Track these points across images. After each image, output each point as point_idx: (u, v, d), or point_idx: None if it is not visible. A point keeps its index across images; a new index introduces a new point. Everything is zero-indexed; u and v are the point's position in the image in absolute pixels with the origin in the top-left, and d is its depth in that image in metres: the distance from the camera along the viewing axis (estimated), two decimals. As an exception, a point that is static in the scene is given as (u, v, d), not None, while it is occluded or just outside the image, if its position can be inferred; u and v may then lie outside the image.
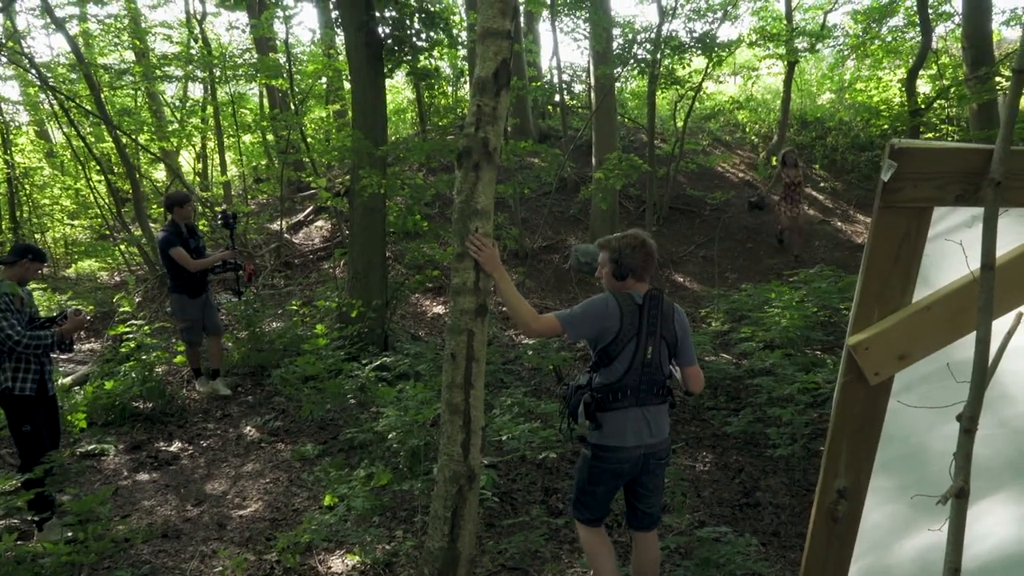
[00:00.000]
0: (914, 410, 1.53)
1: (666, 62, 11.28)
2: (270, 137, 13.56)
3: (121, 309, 7.73)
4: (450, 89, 15.13)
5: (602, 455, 3.30)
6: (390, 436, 4.82)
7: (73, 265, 13.01)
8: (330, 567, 4.10)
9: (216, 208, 11.21)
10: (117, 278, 11.85)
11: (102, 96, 10.77)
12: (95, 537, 3.65)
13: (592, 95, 12.33)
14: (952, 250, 1.38)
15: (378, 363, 6.55)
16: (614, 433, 3.27)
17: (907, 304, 1.41)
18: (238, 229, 6.62)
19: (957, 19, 12.76)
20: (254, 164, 15.46)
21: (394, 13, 7.38)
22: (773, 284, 7.94)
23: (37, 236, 14.02)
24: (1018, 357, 1.45)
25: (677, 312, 3.40)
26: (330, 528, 4.21)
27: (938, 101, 12.27)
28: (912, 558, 1.63)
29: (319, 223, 12.42)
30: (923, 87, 13.61)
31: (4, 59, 11.01)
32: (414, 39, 7.43)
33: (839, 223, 12.51)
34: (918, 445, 1.61)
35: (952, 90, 11.40)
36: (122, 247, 11.38)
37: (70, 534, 3.87)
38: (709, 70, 11.95)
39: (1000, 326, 1.38)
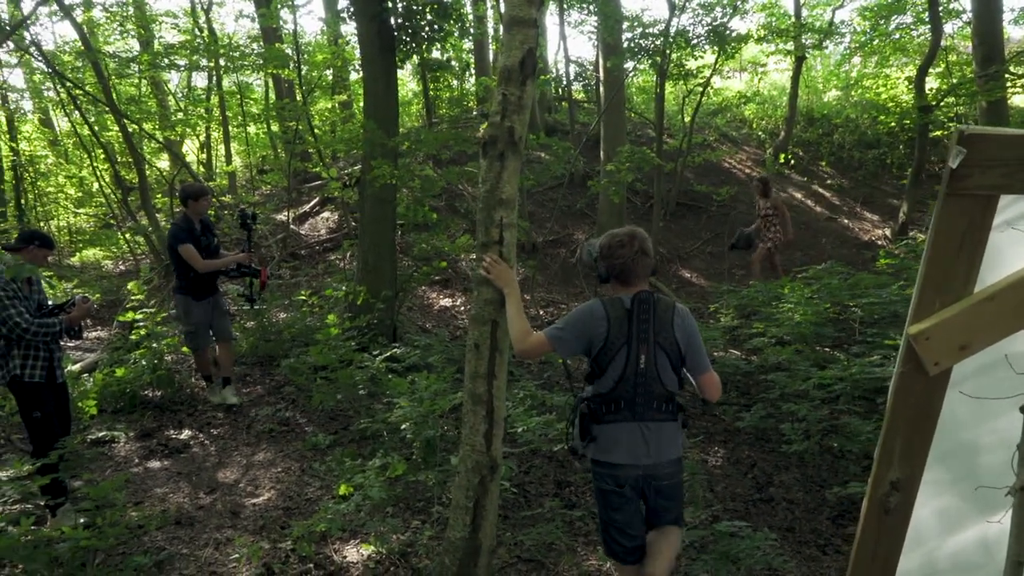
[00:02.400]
0: (963, 403, 1.51)
1: (675, 56, 11.24)
2: (276, 127, 13.53)
3: (133, 296, 7.70)
4: (455, 83, 15.11)
5: (598, 471, 3.05)
6: (404, 427, 4.80)
7: (78, 253, 12.99)
8: (345, 556, 4.08)
9: (224, 197, 11.17)
10: (122, 267, 11.83)
11: (108, 84, 10.73)
12: (110, 523, 3.63)
13: (601, 89, 12.30)
14: (1018, 239, 1.36)
15: (388, 354, 6.54)
16: (606, 448, 2.99)
17: (970, 293, 1.39)
18: (257, 229, 6.23)
19: (966, 16, 12.73)
20: (260, 155, 15.42)
21: (406, 3, 7.35)
22: (784, 280, 7.92)
23: (42, 224, 14.00)
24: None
25: (679, 315, 3.01)
26: (345, 517, 4.20)
27: (947, 98, 12.23)
28: (963, 552, 1.62)
29: (325, 214, 12.40)
30: (931, 85, 13.58)
31: (11, 46, 10.95)
32: (426, 30, 7.39)
33: (846, 220, 12.49)
34: (967, 439, 1.59)
35: (962, 87, 11.35)
36: (127, 235, 11.36)
37: (83, 520, 3.86)
38: (718, 65, 11.91)
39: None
